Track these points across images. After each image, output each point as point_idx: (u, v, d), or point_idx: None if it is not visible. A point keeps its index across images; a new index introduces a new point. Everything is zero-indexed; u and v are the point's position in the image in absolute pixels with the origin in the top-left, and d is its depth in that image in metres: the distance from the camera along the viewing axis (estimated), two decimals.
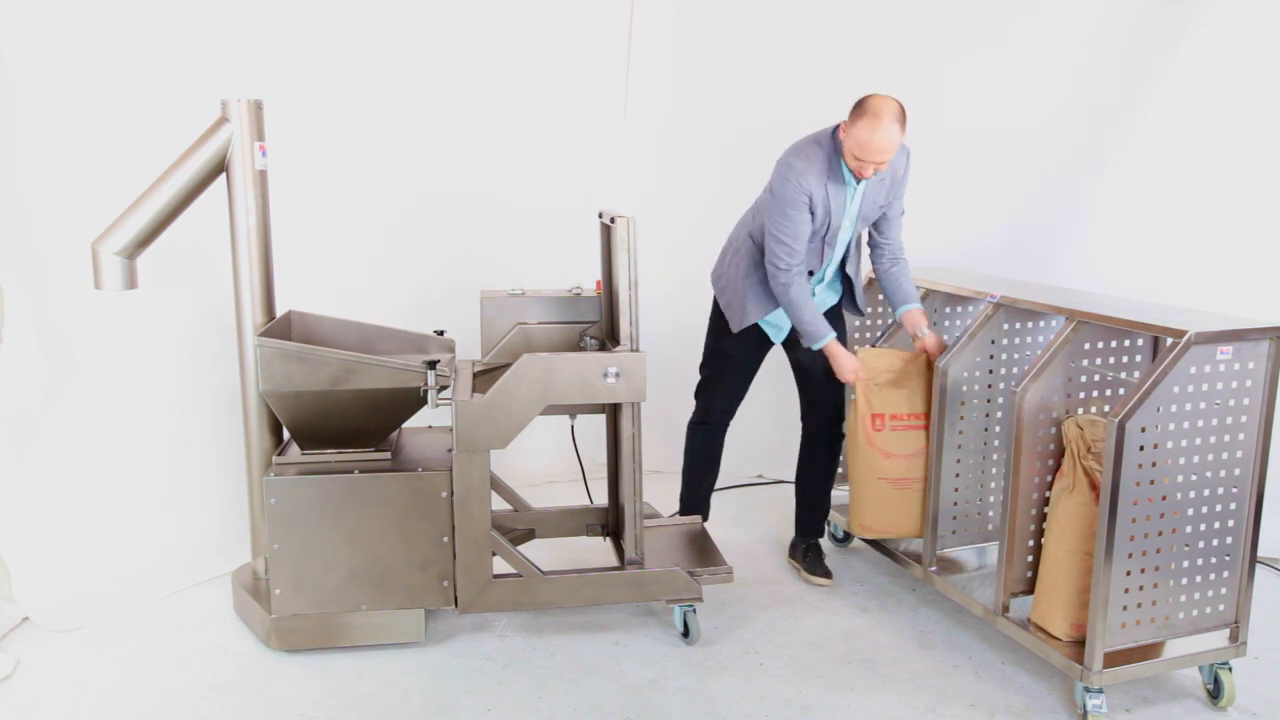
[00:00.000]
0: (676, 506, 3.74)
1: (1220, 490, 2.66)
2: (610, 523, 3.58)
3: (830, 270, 3.41)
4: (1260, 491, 2.69)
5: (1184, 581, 2.69)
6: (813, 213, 3.18)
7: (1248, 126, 3.71)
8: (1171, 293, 3.64)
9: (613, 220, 3.07)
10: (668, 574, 3.09)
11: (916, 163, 3.62)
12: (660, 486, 4.15)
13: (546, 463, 4.54)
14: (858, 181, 3.19)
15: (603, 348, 3.39)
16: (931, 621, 3.31)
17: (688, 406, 3.68)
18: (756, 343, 3.48)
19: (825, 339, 3.26)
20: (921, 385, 3.30)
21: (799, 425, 3.59)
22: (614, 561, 3.35)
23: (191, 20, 3.57)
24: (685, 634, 3.15)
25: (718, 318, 3.54)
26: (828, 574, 3.57)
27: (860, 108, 3.04)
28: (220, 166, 3.04)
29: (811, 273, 3.34)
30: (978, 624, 3.27)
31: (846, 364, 3.27)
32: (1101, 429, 2.75)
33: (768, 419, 4.67)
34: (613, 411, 3.36)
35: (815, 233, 3.24)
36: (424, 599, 3.04)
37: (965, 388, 3.20)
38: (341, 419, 3.01)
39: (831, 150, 3.17)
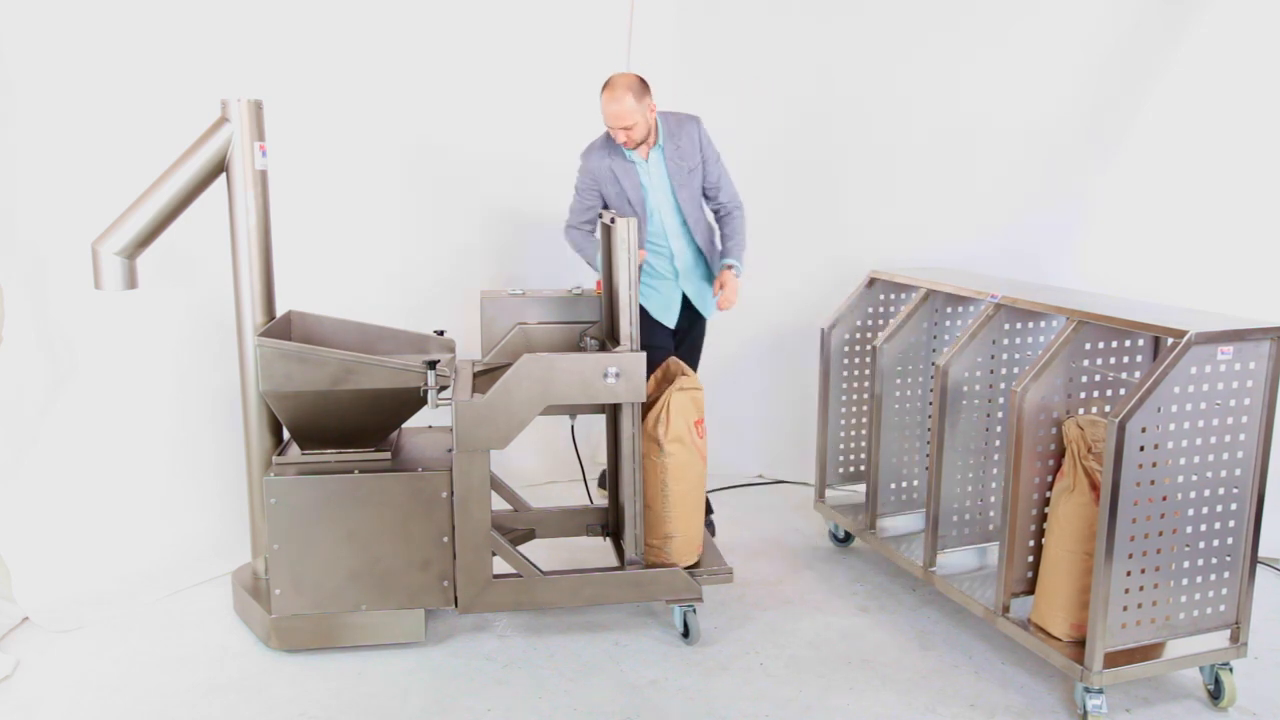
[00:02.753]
0: None
1: (1221, 490, 2.66)
2: (610, 523, 3.58)
3: (677, 247, 3.65)
4: (1261, 492, 2.69)
5: (1184, 582, 2.69)
6: (608, 191, 3.61)
7: (1247, 127, 3.71)
8: (1171, 293, 3.64)
9: (613, 220, 3.07)
10: (668, 574, 3.09)
11: (919, 161, 3.62)
12: None
13: (546, 463, 4.54)
14: (644, 156, 3.56)
15: (603, 348, 3.39)
16: (931, 621, 3.31)
17: None
18: (661, 331, 3.69)
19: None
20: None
21: (799, 425, 3.59)
22: (614, 561, 3.35)
23: (191, 20, 3.57)
24: (685, 634, 3.15)
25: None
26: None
27: (604, 84, 3.47)
28: (220, 166, 3.04)
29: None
30: (978, 624, 3.27)
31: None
32: (1102, 429, 2.75)
33: (767, 419, 4.68)
34: (612, 412, 3.36)
35: (627, 211, 3.59)
36: (424, 599, 3.04)
37: (965, 388, 3.20)
38: (341, 419, 3.01)
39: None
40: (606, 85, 3.45)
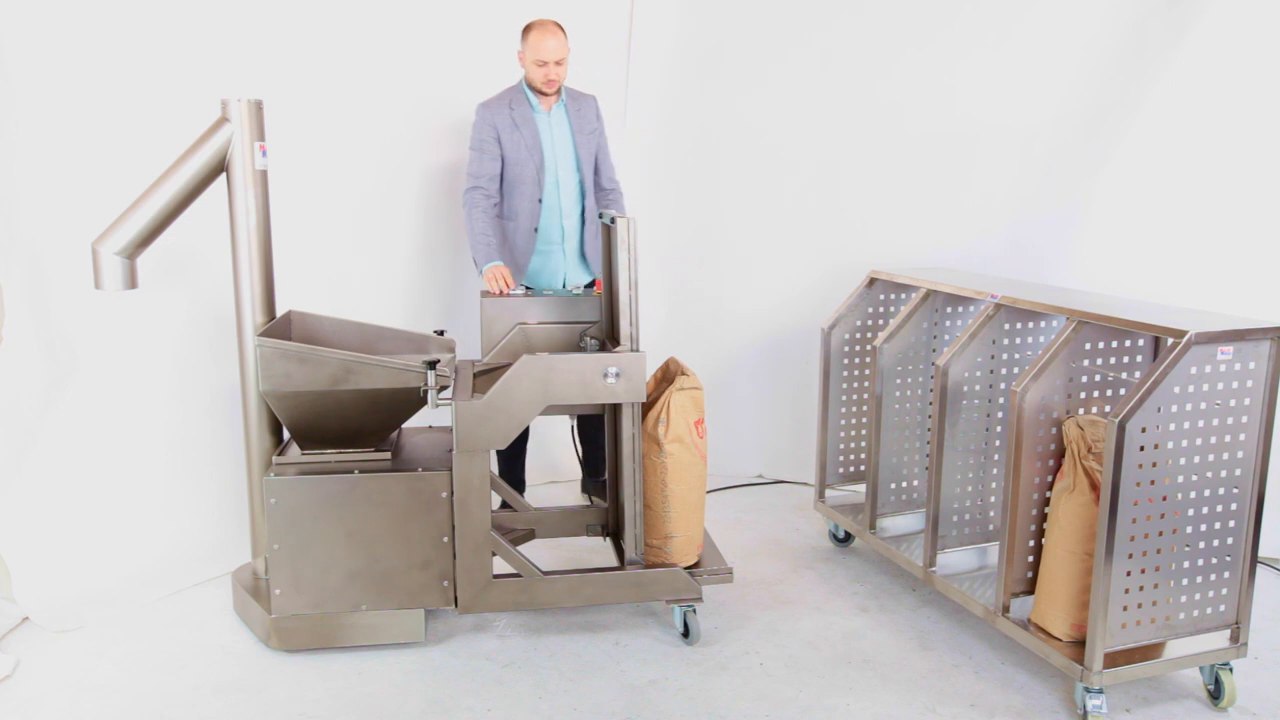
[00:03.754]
0: None
1: (1221, 490, 2.66)
2: (610, 523, 3.58)
3: (567, 206, 3.81)
4: (1261, 492, 2.69)
5: (1184, 582, 2.69)
6: (507, 141, 3.70)
7: (1247, 127, 3.71)
8: (1171, 293, 3.64)
9: (613, 220, 3.07)
10: (668, 574, 3.09)
11: (919, 161, 3.60)
12: None
13: (546, 463, 4.54)
14: (547, 109, 3.75)
15: (603, 348, 3.39)
16: (931, 621, 3.31)
17: None
18: None
19: (485, 264, 3.63)
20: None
21: (799, 425, 3.59)
22: (614, 561, 3.35)
23: (191, 20, 3.57)
24: (685, 634, 3.15)
25: None
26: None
27: (527, 28, 3.69)
28: (220, 166, 3.04)
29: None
30: (978, 624, 3.27)
31: (490, 278, 3.59)
32: (1102, 429, 2.75)
33: (767, 419, 4.67)
34: (612, 412, 3.36)
35: (525, 161, 3.71)
36: (424, 599, 3.04)
37: (965, 388, 3.20)
38: (341, 419, 3.01)
39: (516, 88, 3.79)
40: (535, 25, 3.65)
